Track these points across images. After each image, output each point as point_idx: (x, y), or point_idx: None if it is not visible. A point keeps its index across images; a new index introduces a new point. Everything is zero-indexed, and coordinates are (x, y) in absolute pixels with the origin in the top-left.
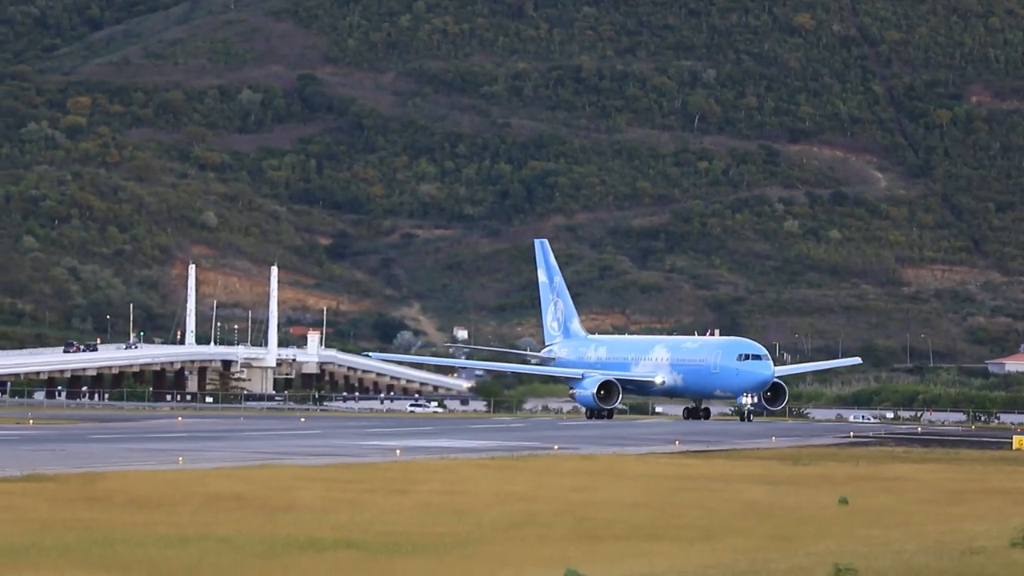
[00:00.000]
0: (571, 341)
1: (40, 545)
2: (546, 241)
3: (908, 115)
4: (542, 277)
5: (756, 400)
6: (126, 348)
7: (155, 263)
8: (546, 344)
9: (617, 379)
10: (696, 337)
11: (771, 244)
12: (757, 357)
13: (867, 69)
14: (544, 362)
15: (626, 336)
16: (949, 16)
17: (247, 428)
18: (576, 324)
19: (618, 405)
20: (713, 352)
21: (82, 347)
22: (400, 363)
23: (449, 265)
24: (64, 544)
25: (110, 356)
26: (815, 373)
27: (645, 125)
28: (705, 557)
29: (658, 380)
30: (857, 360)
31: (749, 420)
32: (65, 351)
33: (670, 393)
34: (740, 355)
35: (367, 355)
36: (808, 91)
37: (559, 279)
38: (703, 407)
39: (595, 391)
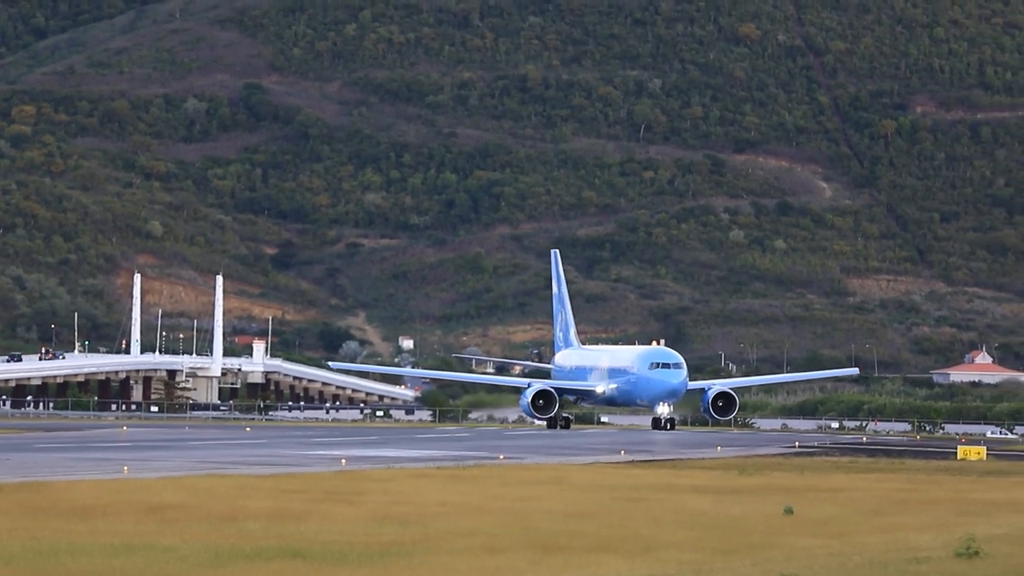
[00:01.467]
0: (567, 351)
1: None
2: (557, 251)
3: (853, 125)
4: (555, 288)
5: (670, 409)
6: (50, 358)
7: (100, 272)
8: (554, 353)
9: (560, 388)
10: (634, 347)
11: (716, 254)
12: (666, 365)
13: (812, 79)
14: (548, 372)
15: (601, 347)
16: (894, 26)
17: (192, 438)
18: (572, 334)
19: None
20: (633, 361)
21: (56, 354)
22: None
23: (395, 275)
24: (8, 553)
25: (55, 365)
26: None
27: (591, 135)
28: (650, 567)
29: (599, 389)
30: (855, 371)
31: (665, 429)
32: (41, 359)
33: (609, 402)
34: (652, 363)
35: (327, 365)
36: (753, 101)
37: (563, 290)
38: (668, 417)
39: (530, 400)
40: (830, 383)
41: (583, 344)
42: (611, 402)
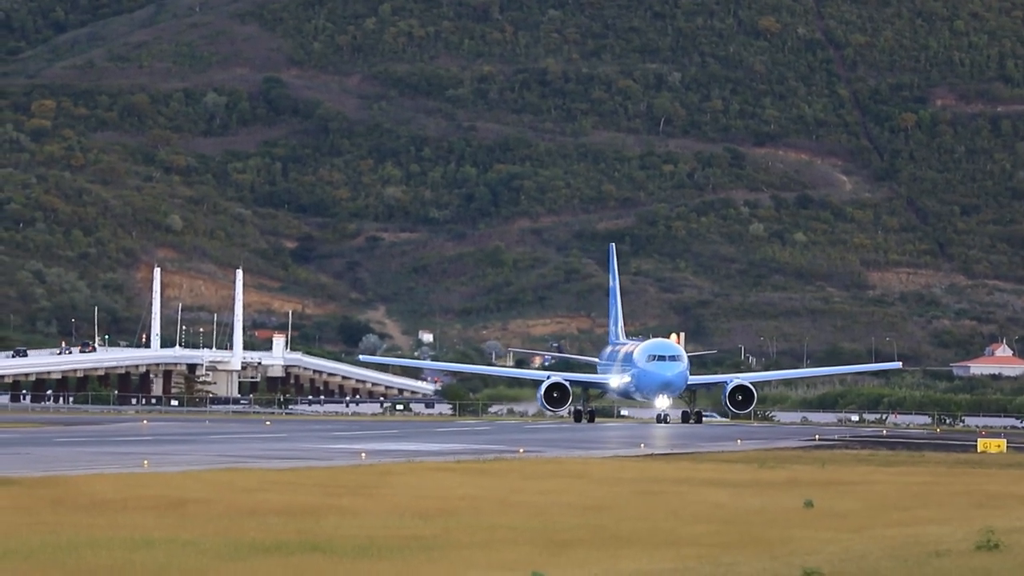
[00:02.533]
0: (610, 345)
1: (5, 549)
2: (613, 245)
3: (873, 118)
4: (610, 282)
5: (670, 402)
6: (59, 353)
7: (120, 266)
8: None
9: (576, 381)
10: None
11: (736, 247)
12: (662, 358)
13: (832, 72)
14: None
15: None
16: (914, 20)
17: (212, 431)
18: (620, 328)
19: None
20: (635, 354)
21: (83, 346)
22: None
23: (414, 268)
24: (29, 548)
25: (75, 359)
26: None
27: (610, 128)
28: (670, 560)
29: (612, 383)
30: (898, 364)
31: (664, 422)
32: (82, 351)
33: (623, 395)
34: (649, 356)
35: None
36: (773, 94)
37: (615, 284)
38: (695, 411)
39: (543, 393)
40: (850, 376)
41: (627, 338)
42: (624, 395)
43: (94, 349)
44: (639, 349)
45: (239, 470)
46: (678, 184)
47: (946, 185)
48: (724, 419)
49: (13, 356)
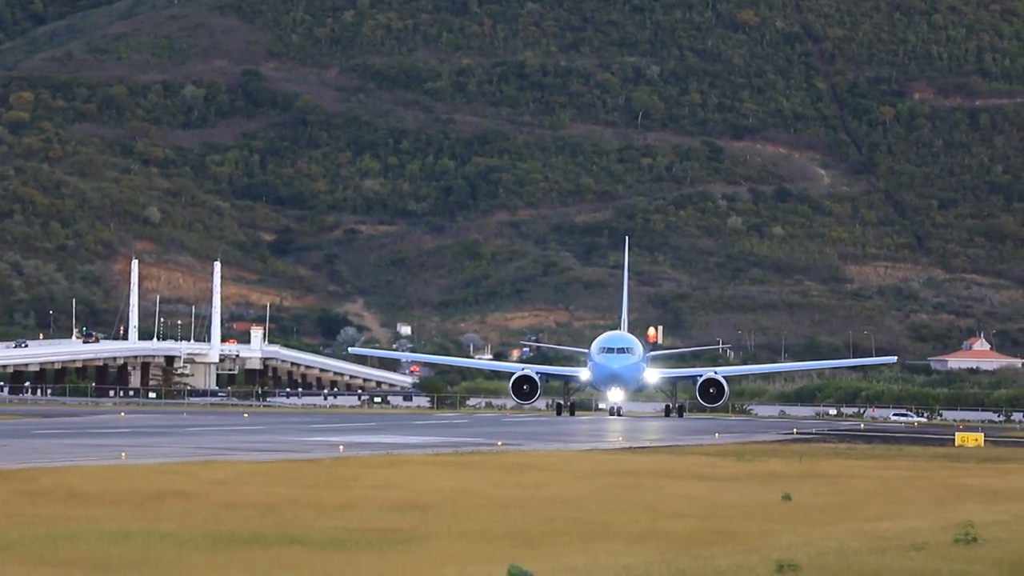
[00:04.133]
0: None
1: None
2: (627, 239)
3: (851, 112)
4: (622, 275)
5: (623, 396)
6: (15, 346)
7: (98, 258)
8: None
9: (551, 374)
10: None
11: (714, 240)
12: (610, 350)
13: (810, 66)
14: None
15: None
16: (892, 13)
17: (190, 424)
18: (623, 319)
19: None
20: (593, 345)
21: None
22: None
23: (393, 261)
24: (6, 540)
25: (52, 351)
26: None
27: (589, 121)
28: (648, 553)
29: (583, 375)
30: (893, 359)
31: (616, 415)
32: (85, 341)
33: (593, 387)
34: (600, 348)
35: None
36: (752, 88)
37: (626, 277)
38: (678, 405)
39: (511, 385)
40: (828, 370)
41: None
42: (593, 387)
43: (97, 340)
44: (595, 342)
45: (217, 462)
46: (656, 177)
47: (924, 179)
48: (692, 413)
49: (16, 347)
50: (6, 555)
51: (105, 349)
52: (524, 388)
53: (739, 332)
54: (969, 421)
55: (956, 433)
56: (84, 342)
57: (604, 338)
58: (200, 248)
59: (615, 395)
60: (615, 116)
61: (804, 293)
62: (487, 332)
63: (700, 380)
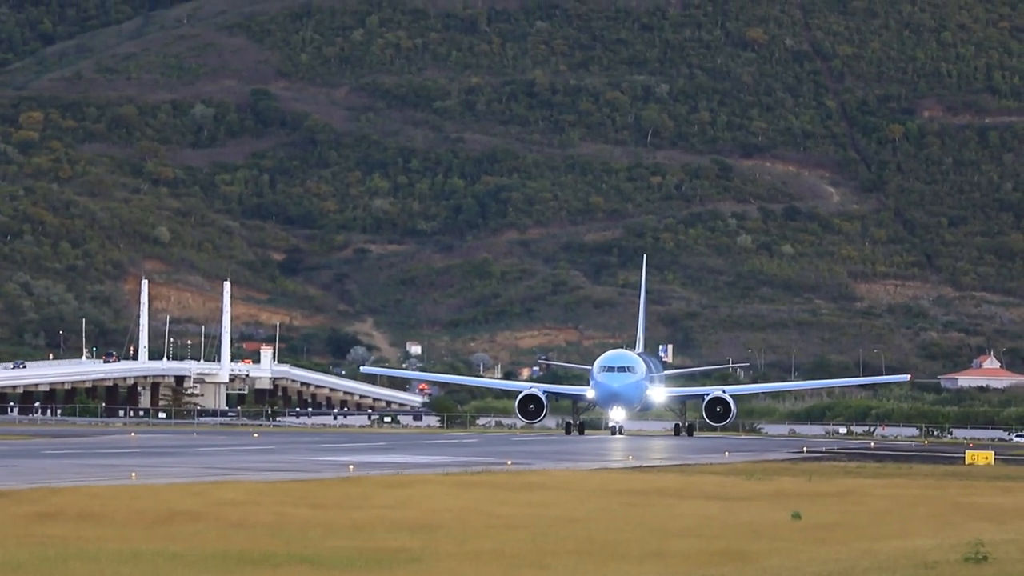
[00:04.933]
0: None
1: None
2: (645, 257)
3: (861, 130)
4: (640, 293)
5: (624, 415)
6: (14, 368)
7: (108, 278)
8: None
9: (558, 393)
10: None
11: (724, 259)
12: (611, 369)
13: (820, 84)
14: None
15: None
16: (902, 31)
17: (200, 444)
18: (639, 337)
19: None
20: (595, 364)
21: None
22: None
23: (402, 280)
24: (17, 560)
25: (63, 372)
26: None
27: (598, 140)
28: (657, 572)
29: (589, 394)
30: (906, 377)
31: (618, 434)
32: (106, 361)
33: (596, 405)
34: (602, 367)
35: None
36: (761, 106)
37: (642, 295)
38: (687, 424)
39: (517, 404)
40: (838, 388)
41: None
42: (596, 405)
43: (118, 359)
44: (597, 360)
45: (227, 482)
46: (666, 196)
47: (933, 197)
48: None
49: (15, 368)
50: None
51: (115, 369)
52: (530, 407)
53: (749, 351)
54: (979, 439)
55: (966, 451)
56: (105, 362)
57: (606, 357)
58: (210, 268)
59: (617, 414)
60: (624, 134)
61: (814, 311)
62: (497, 351)
63: (707, 399)
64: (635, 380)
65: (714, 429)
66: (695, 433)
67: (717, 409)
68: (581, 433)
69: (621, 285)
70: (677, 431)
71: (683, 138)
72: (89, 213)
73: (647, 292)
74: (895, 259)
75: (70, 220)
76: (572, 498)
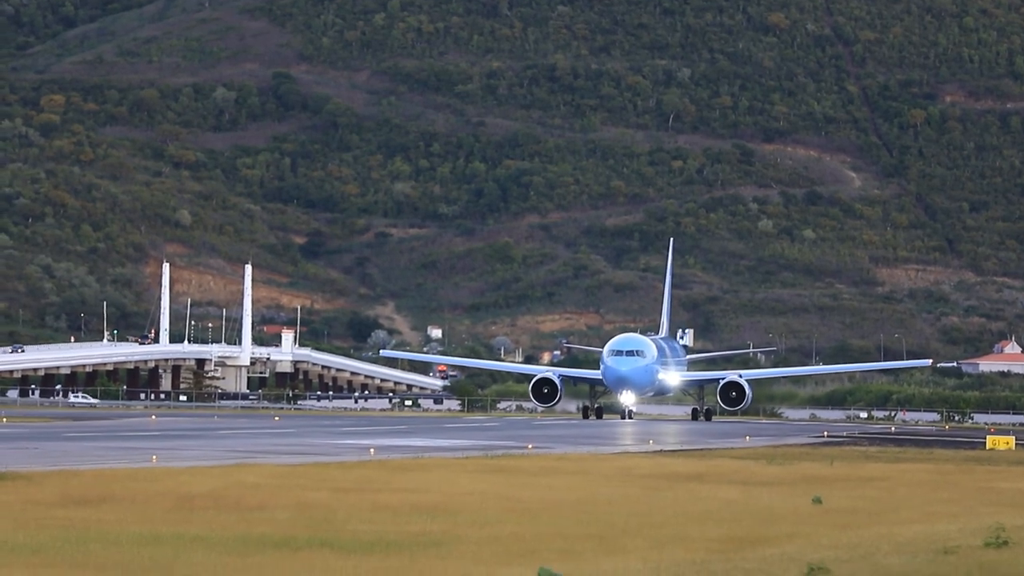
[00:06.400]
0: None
1: (13, 543)
2: (672, 240)
3: (882, 115)
4: (665, 277)
5: (634, 399)
6: (11, 351)
7: (129, 261)
8: None
9: (567, 376)
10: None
11: (745, 243)
12: (619, 353)
13: (841, 69)
14: None
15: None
16: (923, 16)
17: (221, 427)
18: (663, 321)
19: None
20: (606, 348)
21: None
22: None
23: (423, 264)
24: (37, 543)
25: (84, 354)
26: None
27: (619, 124)
28: (678, 556)
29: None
30: (927, 362)
31: (628, 418)
32: (141, 343)
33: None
34: (611, 351)
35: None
36: (782, 90)
37: (668, 279)
38: (705, 408)
39: (531, 388)
40: (859, 373)
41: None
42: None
43: (153, 340)
44: (608, 344)
45: (248, 465)
46: (687, 180)
47: (955, 182)
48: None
49: (12, 352)
50: (37, 558)
51: (136, 352)
52: (544, 391)
53: (770, 335)
54: (1000, 424)
55: (987, 436)
56: (140, 343)
57: (616, 341)
58: (231, 251)
59: (627, 398)
60: (646, 119)
61: (835, 296)
62: (518, 335)
63: (721, 383)
64: (644, 364)
65: (731, 413)
66: (713, 418)
67: (732, 394)
68: (599, 417)
69: (642, 269)
70: (695, 416)
71: (704, 122)
72: (110, 196)
73: (671, 276)
74: (916, 244)
75: (91, 203)
76: (593, 482)
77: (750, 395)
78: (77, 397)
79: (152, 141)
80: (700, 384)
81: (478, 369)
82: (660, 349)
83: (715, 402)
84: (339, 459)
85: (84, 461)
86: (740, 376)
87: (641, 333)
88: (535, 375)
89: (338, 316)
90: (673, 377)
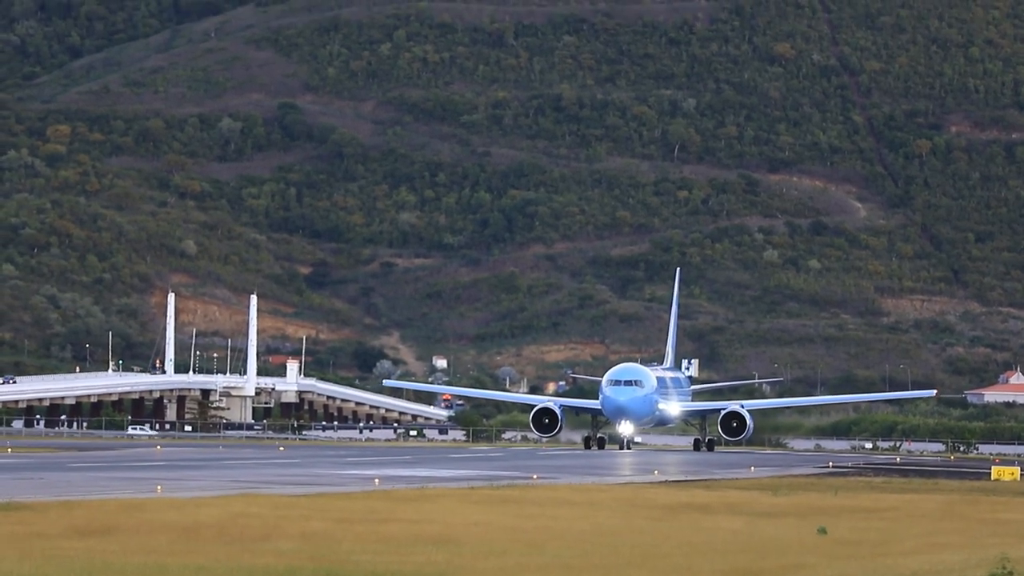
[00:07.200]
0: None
1: (18, 574)
2: (679, 270)
3: (888, 145)
4: (672, 307)
5: (632, 429)
6: (3, 383)
7: (134, 291)
8: None
9: (568, 407)
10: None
11: (750, 274)
12: (617, 383)
13: (847, 99)
14: None
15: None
16: (929, 46)
17: (226, 457)
18: (668, 352)
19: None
20: (604, 378)
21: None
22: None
23: (428, 294)
24: (42, 573)
25: (88, 385)
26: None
27: (625, 154)
28: None
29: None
30: (932, 392)
31: (627, 448)
32: (152, 372)
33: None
34: (610, 380)
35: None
36: (788, 120)
37: (674, 309)
38: (708, 439)
39: (532, 419)
40: (864, 404)
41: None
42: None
43: (164, 371)
44: (607, 373)
45: (252, 496)
46: (692, 210)
47: (960, 212)
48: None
49: (3, 383)
50: None
51: (141, 382)
52: (545, 421)
53: (775, 365)
54: (1005, 455)
55: (992, 467)
56: (152, 373)
57: (614, 371)
58: (236, 281)
59: (625, 428)
60: (651, 149)
61: (840, 326)
62: (523, 365)
63: (722, 413)
64: (643, 394)
65: (733, 444)
66: (716, 448)
67: (733, 424)
68: (600, 447)
69: (648, 299)
70: (696, 446)
71: (710, 152)
72: (116, 226)
73: (677, 306)
74: (922, 274)
75: (97, 233)
76: (598, 513)
77: (751, 425)
78: (136, 430)
79: (158, 171)
80: (702, 414)
81: (483, 399)
82: (660, 379)
83: (717, 433)
84: (344, 489)
85: (89, 491)
86: (742, 407)
87: (644, 363)
88: (536, 405)
89: (343, 346)
90: (674, 407)
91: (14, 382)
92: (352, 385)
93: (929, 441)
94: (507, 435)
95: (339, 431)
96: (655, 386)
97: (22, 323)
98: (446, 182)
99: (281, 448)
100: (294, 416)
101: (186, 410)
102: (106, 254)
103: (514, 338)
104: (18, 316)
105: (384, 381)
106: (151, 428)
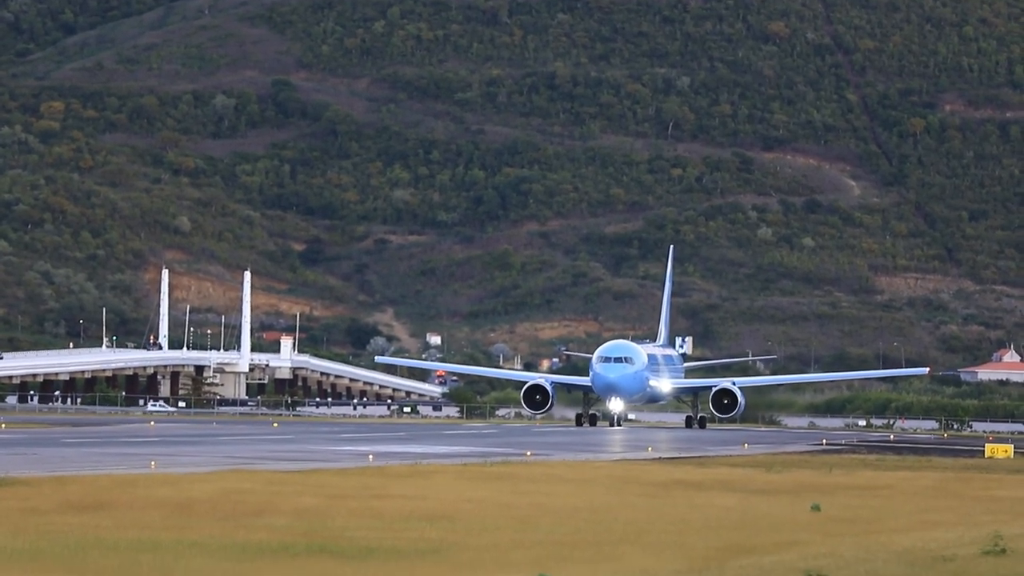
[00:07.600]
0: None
1: (11, 549)
2: (672, 247)
3: (882, 123)
4: (665, 284)
5: (623, 406)
6: (158, 348)
7: (128, 268)
8: None
9: (559, 383)
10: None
11: (744, 252)
12: (607, 360)
13: (841, 77)
14: None
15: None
16: (923, 25)
17: (220, 433)
18: (661, 329)
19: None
20: (594, 355)
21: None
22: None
23: (422, 271)
24: (35, 548)
25: (82, 361)
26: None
27: (619, 132)
28: (676, 562)
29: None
30: (925, 370)
31: (616, 425)
32: (148, 348)
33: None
34: (600, 357)
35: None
36: (782, 99)
37: (667, 287)
38: (699, 416)
39: (523, 395)
40: (857, 381)
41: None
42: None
43: (160, 347)
44: (597, 350)
45: (246, 471)
46: (686, 188)
47: (954, 190)
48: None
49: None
50: (35, 564)
51: (135, 358)
52: (536, 398)
53: (769, 343)
54: (999, 432)
55: (986, 444)
56: (148, 349)
57: (604, 347)
58: (230, 258)
59: (615, 405)
60: (645, 127)
61: (834, 304)
62: (517, 342)
63: (713, 391)
64: (633, 371)
65: (723, 421)
66: (708, 425)
67: (724, 401)
68: (592, 424)
69: (641, 277)
70: (688, 423)
71: (704, 131)
72: (110, 203)
73: (671, 284)
74: (915, 252)
75: (91, 210)
76: (591, 489)
77: (743, 403)
78: (155, 406)
79: (151, 148)
80: (694, 391)
81: (476, 376)
82: (651, 356)
83: (709, 410)
84: (338, 466)
85: (82, 467)
86: (733, 384)
87: (637, 341)
88: (527, 382)
89: (337, 323)
90: (665, 384)
91: (1, 358)
92: (346, 362)
93: (923, 419)
94: (501, 412)
95: (333, 407)
96: (645, 363)
97: (16, 299)
98: (440, 159)
99: (275, 424)
100: (288, 392)
101: (180, 386)
102: (100, 230)
103: (508, 315)
104: (12, 292)
105: (377, 358)
106: (168, 404)
